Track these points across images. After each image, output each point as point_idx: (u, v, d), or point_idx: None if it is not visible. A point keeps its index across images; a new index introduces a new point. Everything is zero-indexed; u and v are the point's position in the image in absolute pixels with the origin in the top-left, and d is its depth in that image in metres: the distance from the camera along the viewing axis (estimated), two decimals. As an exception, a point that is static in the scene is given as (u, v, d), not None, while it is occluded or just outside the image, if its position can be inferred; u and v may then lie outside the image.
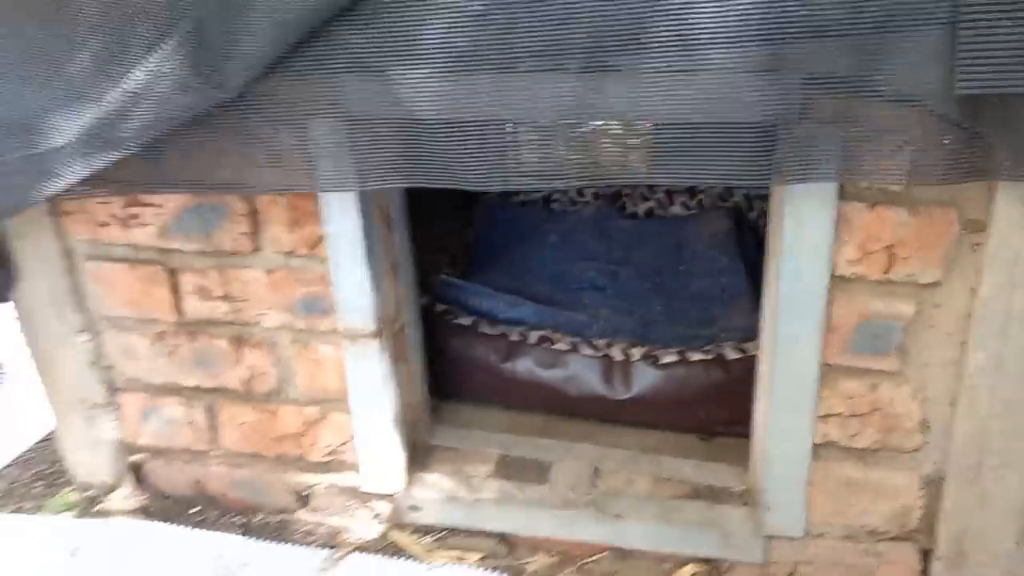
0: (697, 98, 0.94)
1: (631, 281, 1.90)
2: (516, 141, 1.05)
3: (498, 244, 2.06)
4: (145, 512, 1.49)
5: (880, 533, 1.22)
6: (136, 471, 1.51)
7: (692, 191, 2.20)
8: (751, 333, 1.58)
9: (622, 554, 1.33)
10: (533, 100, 0.99)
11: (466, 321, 1.62)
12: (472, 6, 0.95)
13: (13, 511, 1.54)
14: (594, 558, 1.34)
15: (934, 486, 1.17)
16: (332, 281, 1.22)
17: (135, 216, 1.24)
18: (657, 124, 1.00)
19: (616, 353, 1.52)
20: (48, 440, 1.76)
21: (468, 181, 1.07)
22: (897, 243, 1.02)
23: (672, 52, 0.92)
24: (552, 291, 1.86)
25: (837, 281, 1.06)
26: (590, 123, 1.02)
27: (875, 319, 1.07)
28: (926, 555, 1.22)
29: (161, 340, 1.35)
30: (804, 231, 1.04)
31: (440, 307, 1.63)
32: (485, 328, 1.60)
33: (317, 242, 1.21)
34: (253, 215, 1.21)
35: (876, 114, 0.90)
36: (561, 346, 1.55)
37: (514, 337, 1.58)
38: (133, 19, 1.01)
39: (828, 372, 1.13)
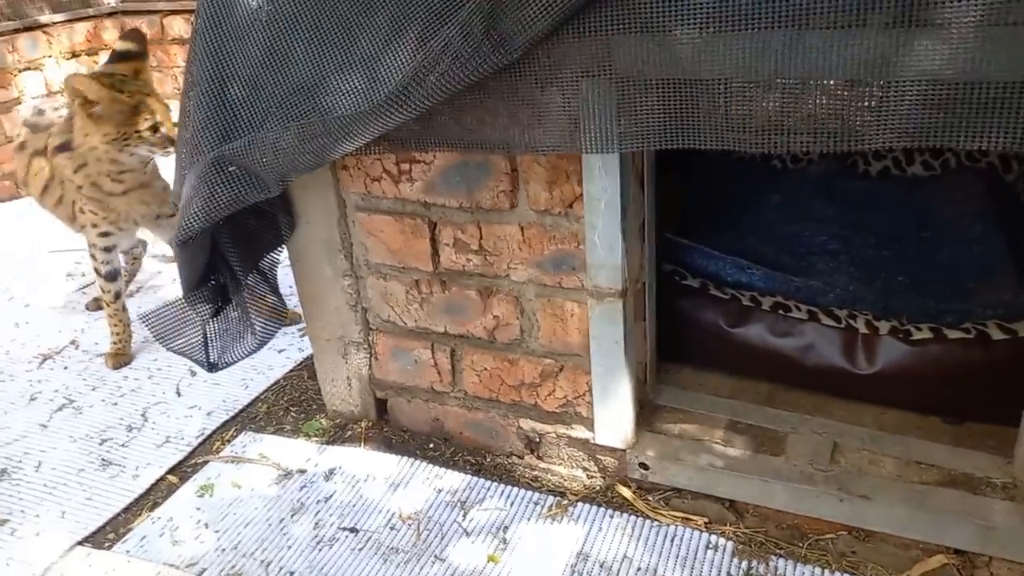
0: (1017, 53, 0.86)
1: (867, 247, 1.78)
2: (795, 99, 1.01)
3: (717, 203, 2.01)
4: (387, 443, 1.63)
5: None
6: (381, 405, 1.65)
7: (936, 149, 2.01)
8: (1013, 310, 1.45)
9: (862, 535, 1.28)
10: (826, 57, 0.94)
11: (694, 283, 1.60)
12: (770, -40, 0.91)
13: (275, 432, 1.74)
14: (830, 536, 1.30)
15: None
16: (584, 240, 1.25)
17: (405, 172, 1.33)
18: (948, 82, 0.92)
19: (860, 325, 1.45)
20: (297, 370, 1.97)
21: (740, 142, 1.05)
22: None
23: (1002, 3, 0.84)
24: (779, 255, 1.79)
25: None
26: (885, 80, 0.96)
27: None
28: None
29: (416, 287, 1.45)
30: None
31: (667, 267, 1.63)
32: (714, 291, 1.58)
33: (573, 201, 1.24)
34: (513, 174, 1.26)
35: None
36: (798, 314, 1.50)
37: (746, 302, 1.54)
38: (426, -15, 1.06)
39: None
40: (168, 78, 4.20)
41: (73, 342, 2.20)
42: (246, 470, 1.61)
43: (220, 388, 1.92)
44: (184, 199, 1.23)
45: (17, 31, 3.68)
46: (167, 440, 1.73)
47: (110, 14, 4.09)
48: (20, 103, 3.63)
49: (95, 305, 2.39)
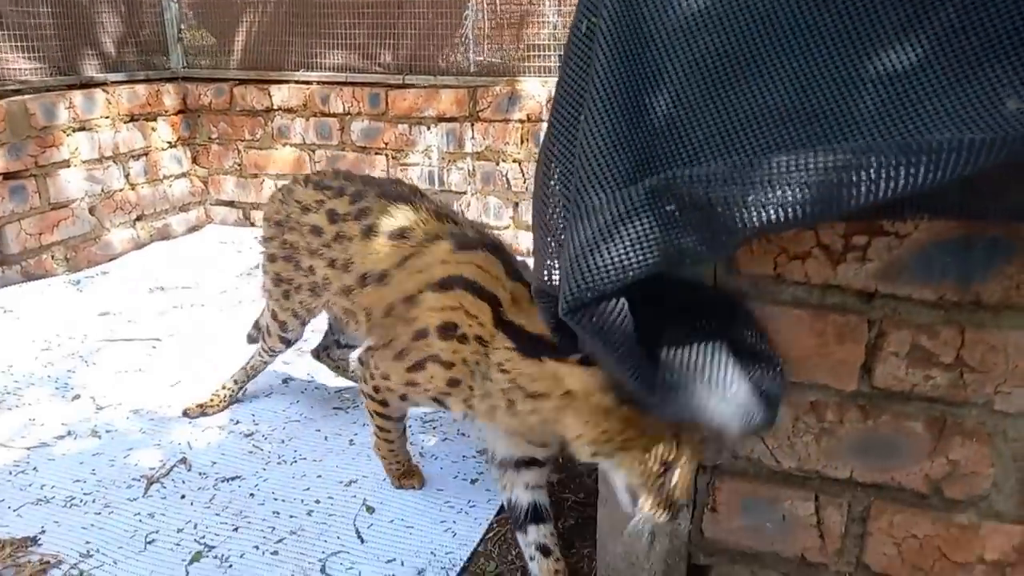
0: None
1: None
2: None
3: None
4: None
5: None
6: (697, 574, 1.18)
7: None
8: None
9: None
10: None
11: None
12: None
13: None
14: None
15: None
16: None
17: (857, 247, 0.93)
18: None
19: None
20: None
21: None
22: None
23: None
24: None
25: None
26: None
27: None
28: None
29: (814, 412, 1.02)
30: None
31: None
32: None
33: None
34: (1049, 254, 0.87)
35: None
36: None
37: None
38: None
39: None
40: (231, 152, 3.81)
41: (183, 460, 1.68)
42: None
43: (413, 533, 1.42)
44: (572, 257, 0.81)
45: (72, 87, 3.28)
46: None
47: (171, 79, 3.73)
48: (69, 167, 3.19)
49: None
